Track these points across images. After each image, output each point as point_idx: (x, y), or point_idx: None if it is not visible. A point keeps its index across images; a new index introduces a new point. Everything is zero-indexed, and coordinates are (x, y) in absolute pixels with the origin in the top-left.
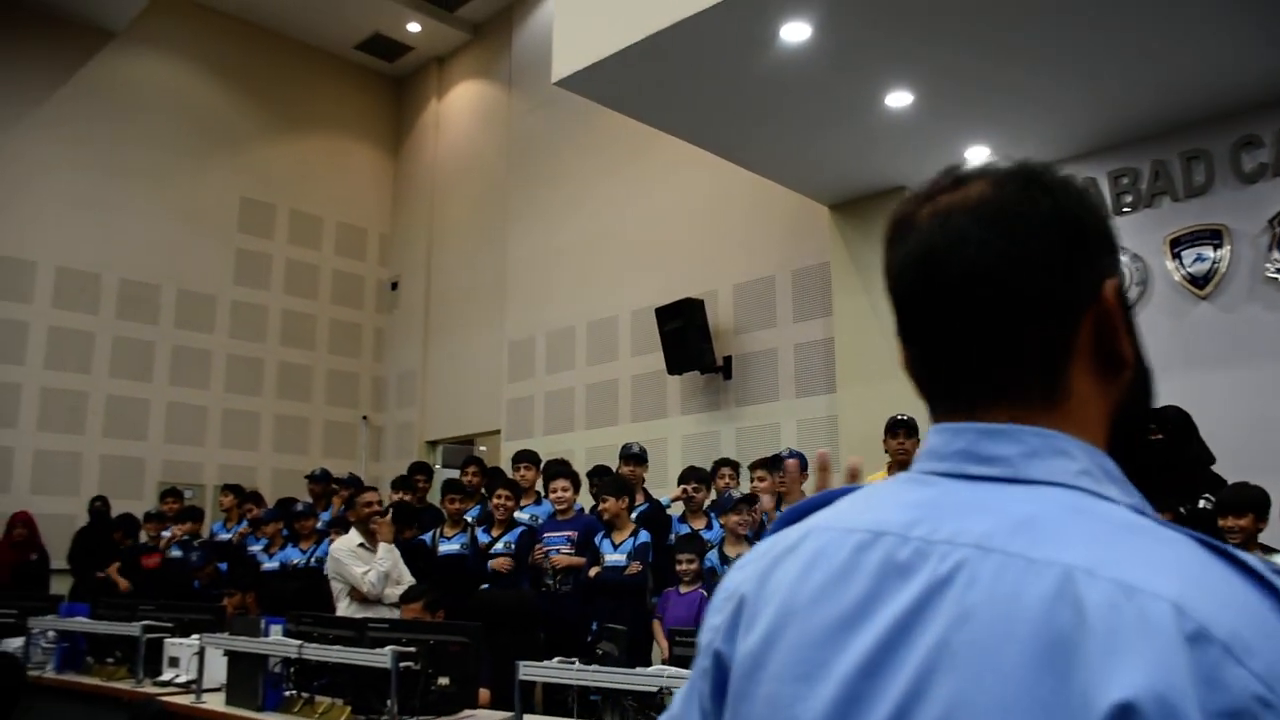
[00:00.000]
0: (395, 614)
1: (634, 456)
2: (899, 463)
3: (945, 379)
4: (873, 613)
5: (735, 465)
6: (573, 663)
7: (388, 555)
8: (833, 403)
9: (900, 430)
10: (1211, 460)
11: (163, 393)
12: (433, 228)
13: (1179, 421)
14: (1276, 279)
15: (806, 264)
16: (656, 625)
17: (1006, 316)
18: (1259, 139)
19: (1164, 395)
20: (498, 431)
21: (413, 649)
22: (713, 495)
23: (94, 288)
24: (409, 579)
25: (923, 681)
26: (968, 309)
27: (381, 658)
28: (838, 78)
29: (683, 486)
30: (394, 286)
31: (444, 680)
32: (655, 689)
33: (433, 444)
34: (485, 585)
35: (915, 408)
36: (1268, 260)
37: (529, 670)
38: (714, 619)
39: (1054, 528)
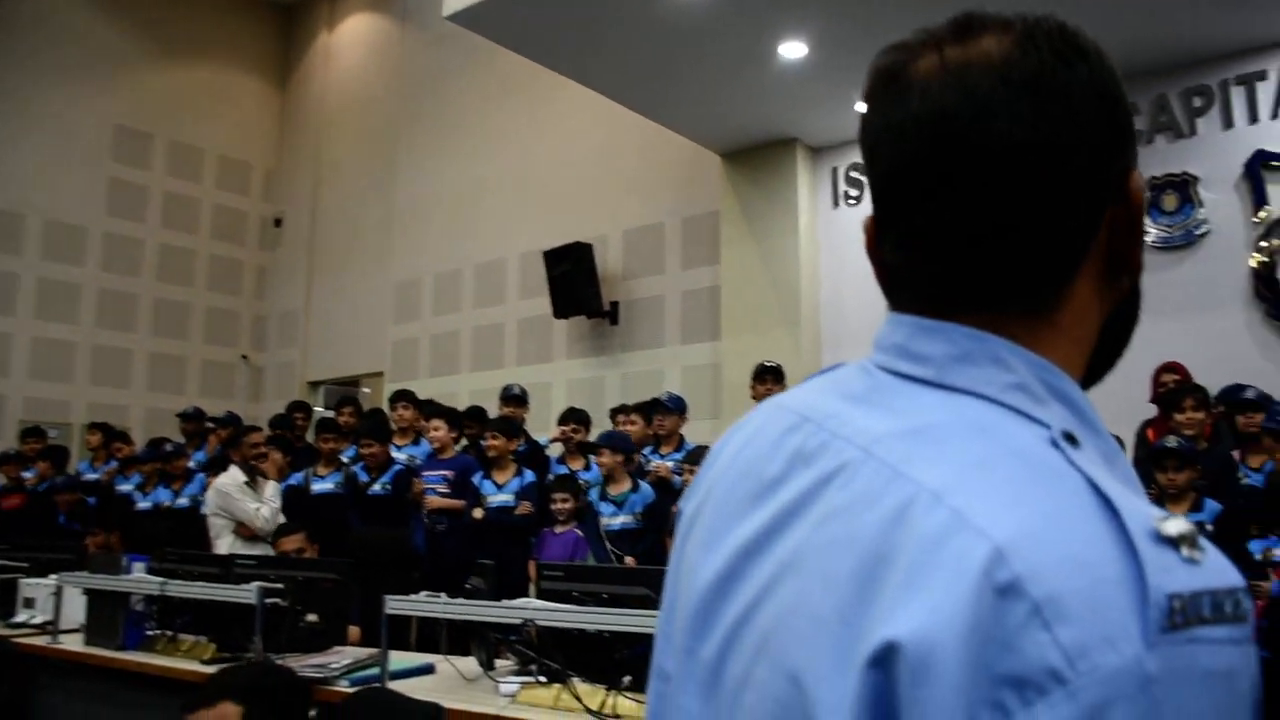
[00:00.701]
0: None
1: (514, 398)
2: None
3: (928, 268)
4: (773, 495)
5: (631, 410)
6: (439, 597)
7: (276, 494)
8: (716, 350)
9: (767, 377)
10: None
11: (27, 327)
12: (320, 164)
13: None
14: (1145, 241)
15: (697, 212)
16: (532, 565)
17: (1029, 204)
18: (1135, 106)
19: None
20: (382, 373)
21: (280, 585)
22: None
23: None
24: (281, 518)
25: (778, 575)
26: (983, 191)
27: (247, 594)
28: (733, 25)
29: (562, 428)
30: (278, 223)
31: (313, 617)
32: (520, 621)
33: (315, 385)
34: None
35: (792, 357)
36: None
37: (395, 604)
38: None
39: (939, 443)
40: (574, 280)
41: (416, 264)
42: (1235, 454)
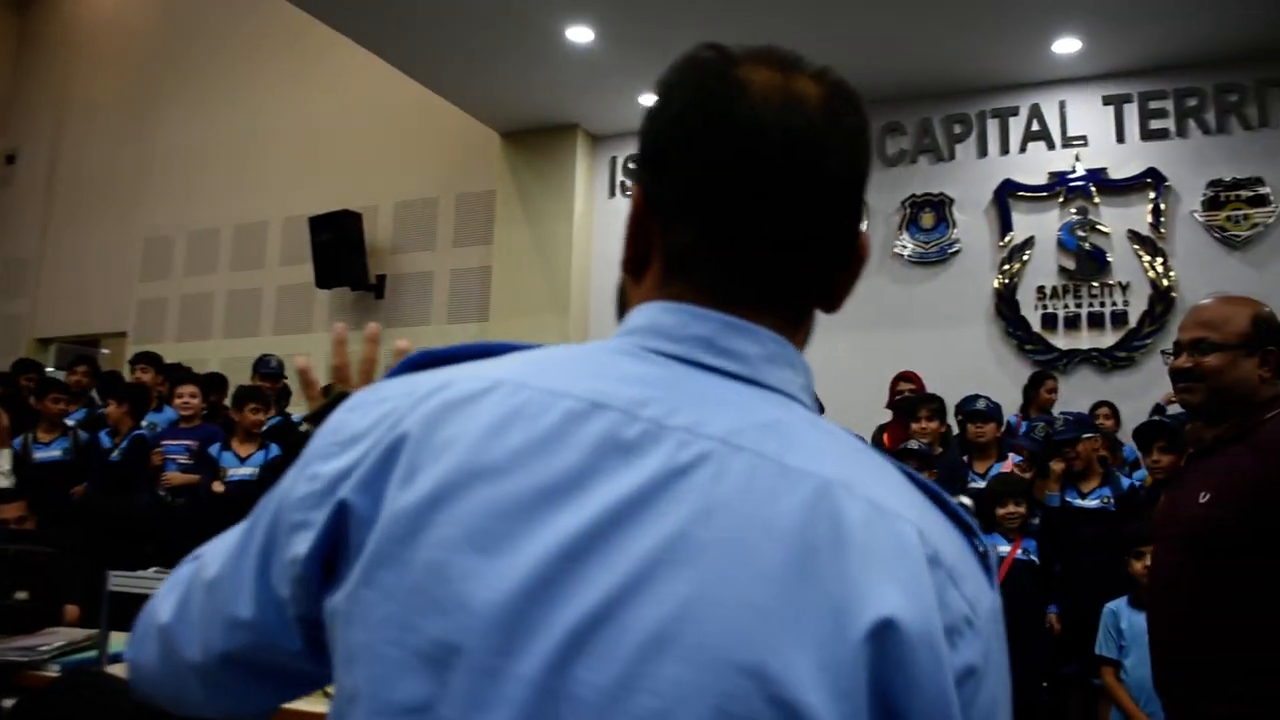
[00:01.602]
0: None
1: (271, 373)
2: None
3: (721, 264)
4: (585, 490)
5: None
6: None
7: (10, 467)
8: (484, 331)
9: None
10: (821, 410)
11: None
12: (65, 100)
13: None
14: (902, 255)
15: (472, 190)
16: None
17: (827, 229)
18: (902, 127)
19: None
20: (124, 334)
21: None
22: None
23: None
24: None
25: (648, 572)
26: (803, 208)
27: None
28: (519, 2)
29: None
30: (10, 160)
31: (23, 594)
32: None
33: (45, 342)
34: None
35: (559, 342)
36: (897, 239)
37: (119, 580)
38: (337, 462)
39: (799, 437)
40: (340, 250)
41: (170, 219)
42: (965, 459)
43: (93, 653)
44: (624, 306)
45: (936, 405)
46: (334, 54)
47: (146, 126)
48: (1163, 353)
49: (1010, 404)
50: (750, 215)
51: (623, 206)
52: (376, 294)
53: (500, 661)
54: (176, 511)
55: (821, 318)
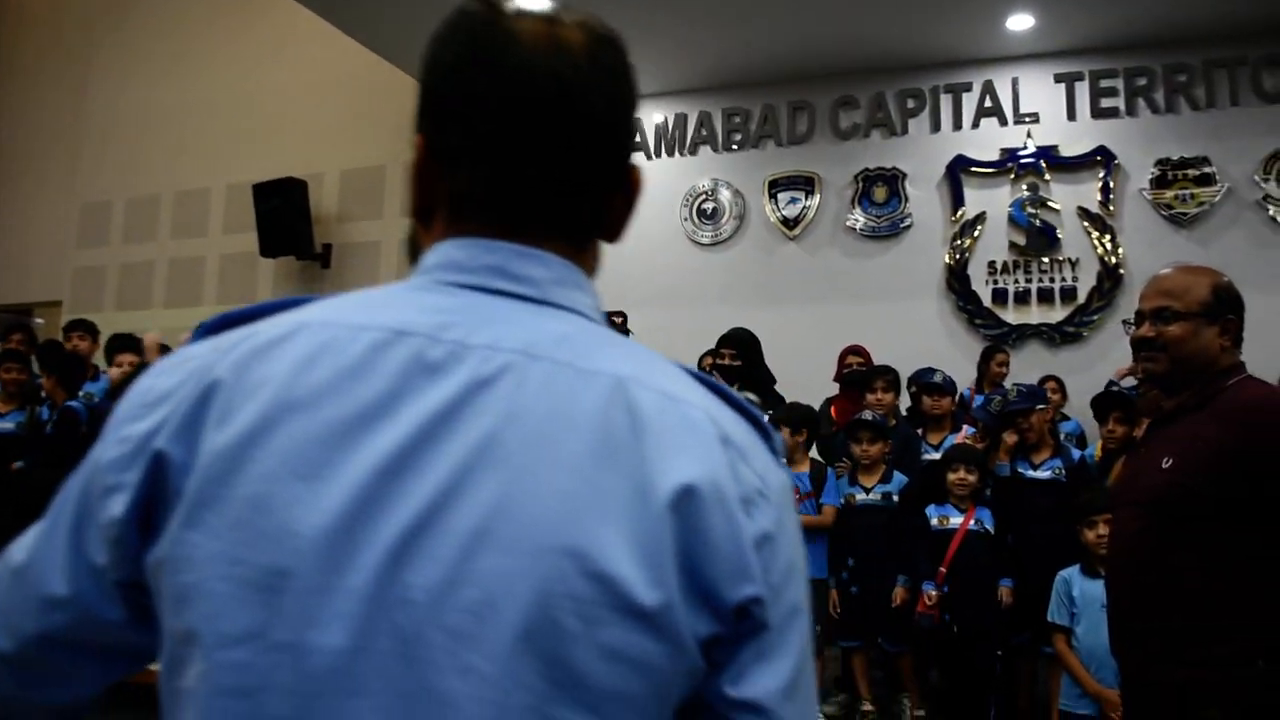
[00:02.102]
0: None
1: None
2: None
3: (506, 201)
4: (395, 411)
5: None
6: None
7: None
8: None
9: None
10: (773, 380)
11: None
12: None
13: (749, 343)
14: (854, 229)
15: None
16: None
17: (597, 168)
18: (855, 101)
19: (750, 322)
20: (60, 302)
21: None
22: None
23: None
24: None
25: (462, 477)
26: (574, 149)
27: None
28: None
29: None
30: None
31: None
32: None
33: None
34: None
35: None
36: (849, 212)
37: None
38: (146, 422)
39: (591, 345)
40: (285, 218)
41: (108, 184)
42: (919, 431)
43: None
44: (415, 252)
45: (892, 377)
46: (278, 17)
47: (84, 89)
48: (1124, 322)
49: (959, 377)
50: (527, 156)
51: None
52: (323, 263)
53: (329, 579)
54: None
55: (775, 288)
